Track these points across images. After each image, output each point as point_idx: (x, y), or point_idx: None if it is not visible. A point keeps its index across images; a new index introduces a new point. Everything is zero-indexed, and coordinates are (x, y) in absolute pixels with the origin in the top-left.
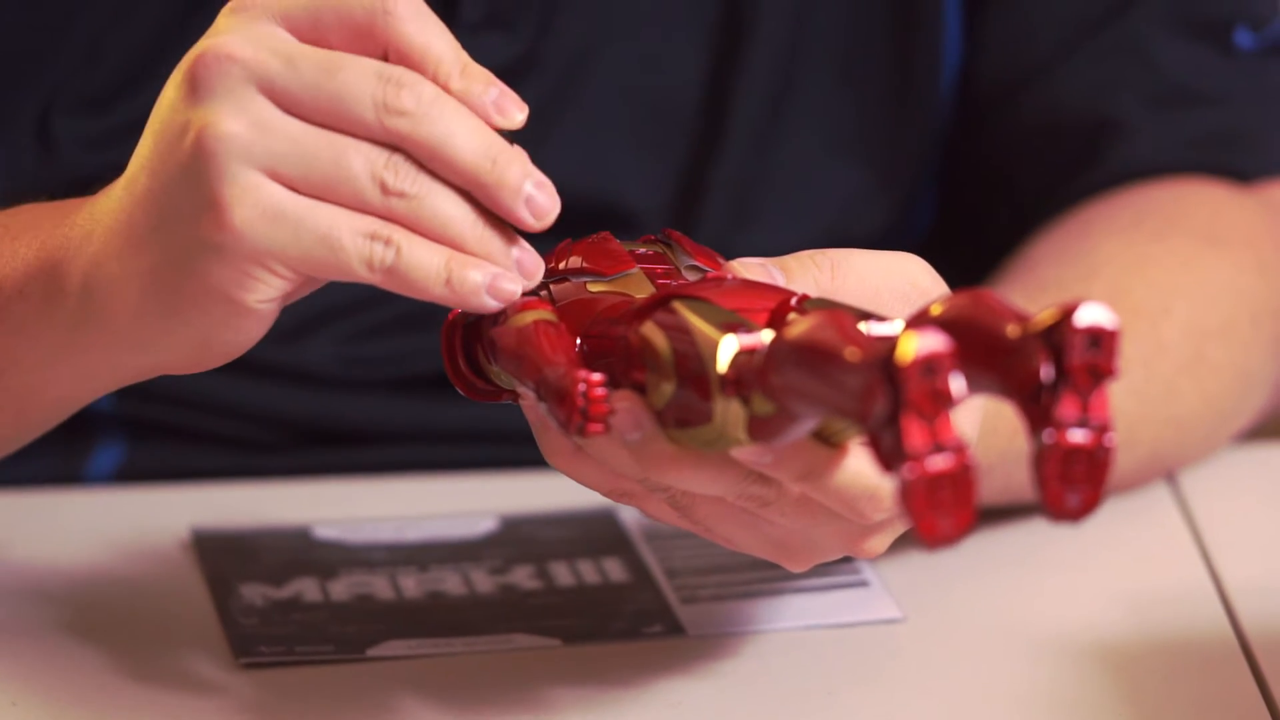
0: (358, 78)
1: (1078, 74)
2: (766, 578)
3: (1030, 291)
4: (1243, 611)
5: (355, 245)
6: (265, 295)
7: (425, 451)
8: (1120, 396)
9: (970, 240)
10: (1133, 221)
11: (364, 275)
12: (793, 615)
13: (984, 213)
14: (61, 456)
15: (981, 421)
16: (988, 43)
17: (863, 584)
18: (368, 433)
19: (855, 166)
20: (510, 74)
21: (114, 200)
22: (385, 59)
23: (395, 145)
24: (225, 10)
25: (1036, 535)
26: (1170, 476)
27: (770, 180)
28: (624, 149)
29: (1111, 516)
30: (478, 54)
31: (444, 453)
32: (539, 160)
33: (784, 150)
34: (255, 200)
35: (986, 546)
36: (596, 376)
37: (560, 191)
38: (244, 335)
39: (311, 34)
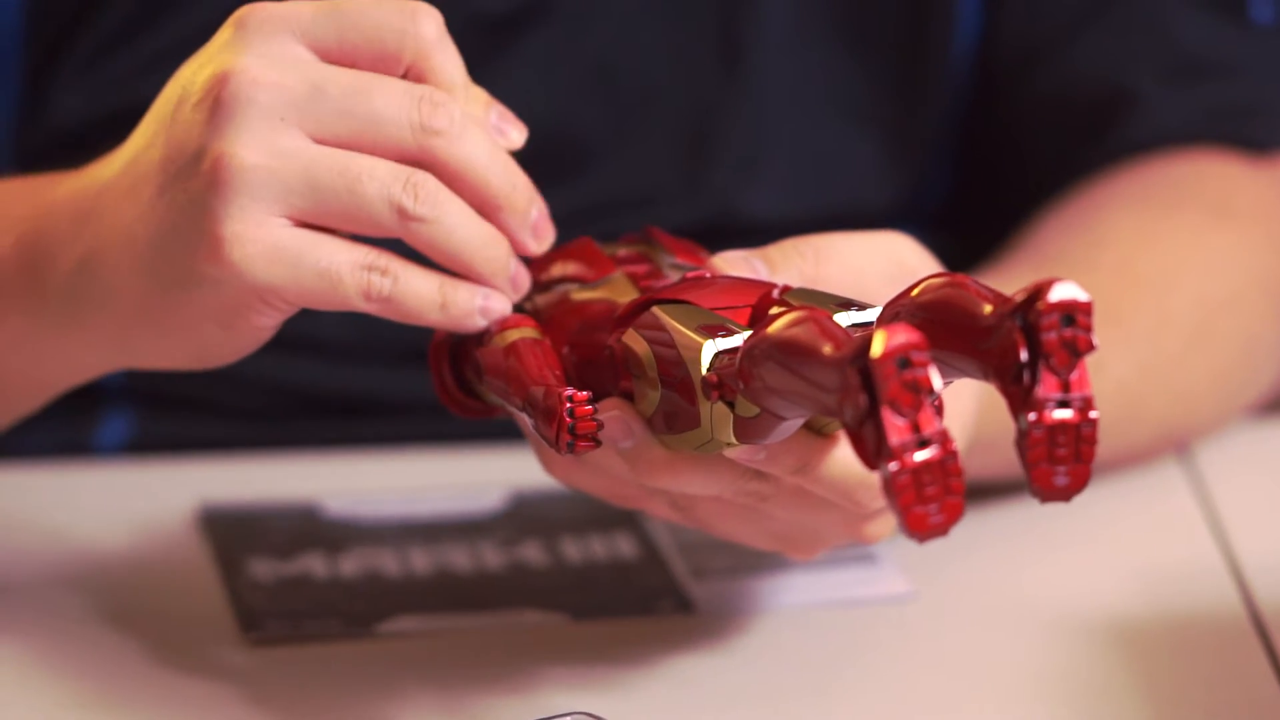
0: (392, 99)
1: (1094, 46)
2: (777, 552)
3: (1036, 264)
4: (1257, 587)
5: (354, 278)
6: (262, 324)
7: (435, 424)
8: (1126, 370)
9: (986, 213)
10: (1142, 195)
11: (361, 306)
12: (802, 592)
13: (999, 185)
14: (69, 427)
15: (983, 396)
16: (1005, 14)
17: (873, 560)
18: (378, 403)
19: (866, 138)
20: (518, 21)
21: (115, 201)
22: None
23: (424, 164)
24: (240, 21)
25: (1048, 511)
26: (1183, 452)
27: (781, 142)
28: (630, 101)
29: (1124, 492)
30: None
31: (454, 425)
32: (544, 110)
33: (796, 113)
34: (255, 237)
35: (997, 522)
36: (582, 394)
37: (563, 141)
38: (239, 351)
39: (337, 56)
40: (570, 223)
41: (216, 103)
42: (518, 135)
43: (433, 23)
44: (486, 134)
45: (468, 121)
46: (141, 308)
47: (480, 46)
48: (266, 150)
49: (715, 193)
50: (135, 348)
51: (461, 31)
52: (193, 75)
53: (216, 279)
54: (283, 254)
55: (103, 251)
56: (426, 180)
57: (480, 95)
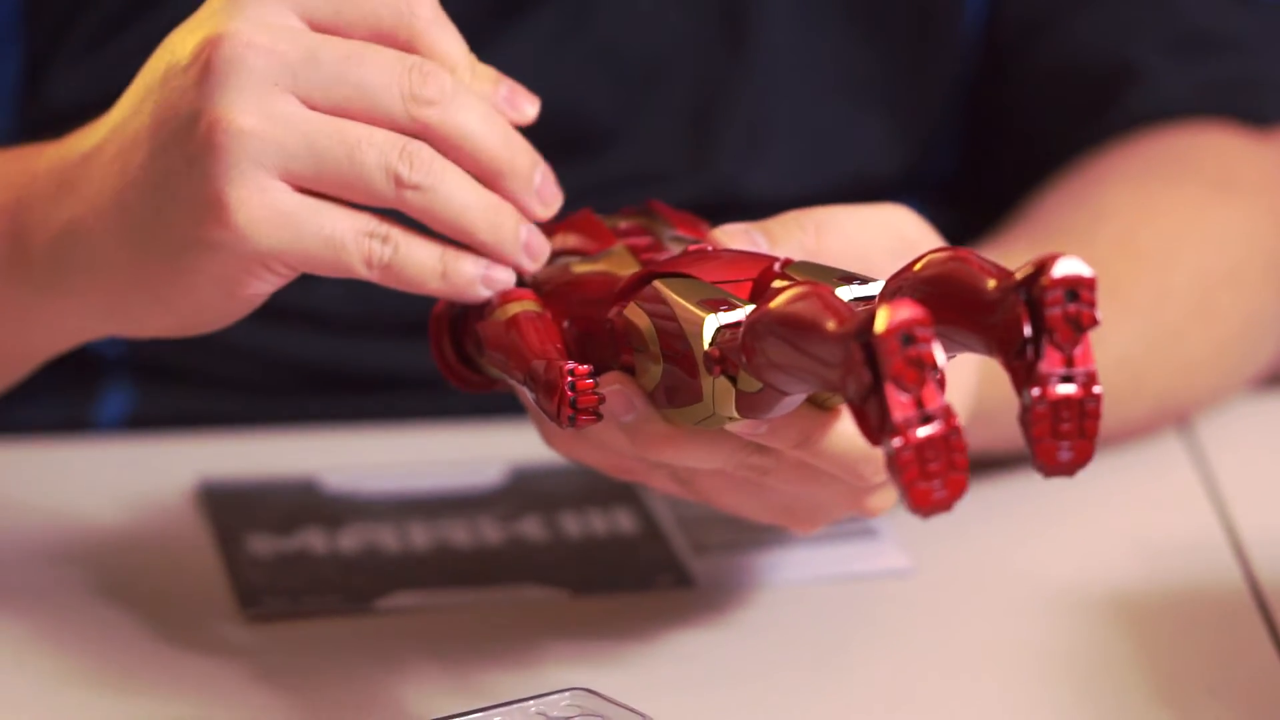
0: (383, 67)
1: (1097, 18)
2: (778, 525)
3: (1037, 238)
4: (1258, 561)
5: (357, 244)
6: (261, 290)
7: (436, 398)
8: (1126, 344)
9: (992, 187)
10: (1144, 169)
11: (362, 273)
12: (802, 566)
13: (1003, 159)
14: (69, 401)
15: (983, 369)
16: None
17: (874, 535)
18: (378, 377)
19: (873, 115)
20: (521, 2)
21: (101, 168)
22: None
23: (417, 134)
24: None
25: (1049, 484)
26: (1185, 425)
27: (786, 120)
28: (635, 80)
29: (1125, 465)
30: None
31: (454, 400)
32: (549, 90)
33: (801, 91)
34: (261, 202)
35: (998, 496)
36: (583, 367)
37: (569, 120)
38: (229, 317)
39: (330, 29)
40: (576, 202)
41: (207, 66)
42: (531, 109)
43: (427, 2)
44: (481, 102)
45: (459, 90)
46: (135, 274)
47: (485, 26)
48: (263, 114)
49: (721, 170)
50: (124, 314)
51: (466, 11)
52: (181, 41)
53: (218, 244)
54: (287, 219)
55: (89, 219)
56: (421, 149)
57: (488, 73)
